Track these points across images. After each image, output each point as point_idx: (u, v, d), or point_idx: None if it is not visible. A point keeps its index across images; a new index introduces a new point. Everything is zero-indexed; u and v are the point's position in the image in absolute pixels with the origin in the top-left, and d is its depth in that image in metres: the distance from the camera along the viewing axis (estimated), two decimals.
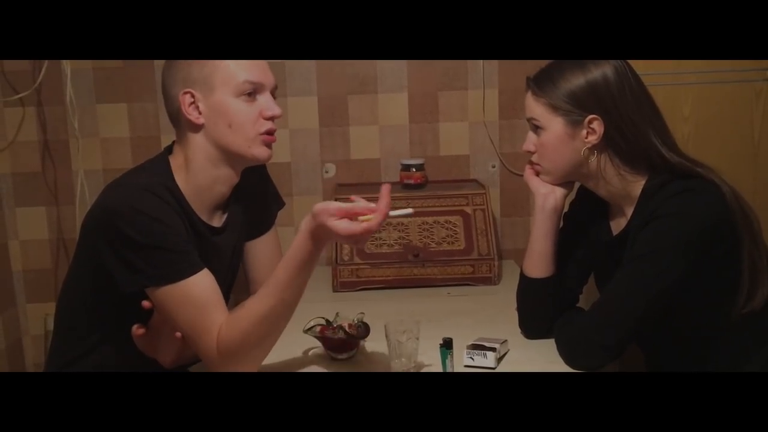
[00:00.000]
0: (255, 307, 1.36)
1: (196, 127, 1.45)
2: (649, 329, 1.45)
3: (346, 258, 2.02)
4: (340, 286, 2.02)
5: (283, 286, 1.34)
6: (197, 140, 1.46)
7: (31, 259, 2.33)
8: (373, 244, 2.04)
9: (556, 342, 1.51)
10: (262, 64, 1.47)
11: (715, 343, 1.47)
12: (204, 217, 1.50)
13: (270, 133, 1.47)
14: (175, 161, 1.49)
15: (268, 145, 1.48)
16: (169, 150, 1.52)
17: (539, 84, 1.48)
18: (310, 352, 1.57)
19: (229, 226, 1.56)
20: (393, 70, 2.28)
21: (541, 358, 1.50)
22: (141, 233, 1.34)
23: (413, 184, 2.18)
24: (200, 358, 1.41)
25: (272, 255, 1.70)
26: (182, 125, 1.47)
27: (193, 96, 1.43)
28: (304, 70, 2.27)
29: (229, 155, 1.47)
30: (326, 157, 2.32)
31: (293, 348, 1.57)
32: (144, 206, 1.36)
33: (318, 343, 1.56)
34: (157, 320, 1.44)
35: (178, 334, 1.40)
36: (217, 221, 1.54)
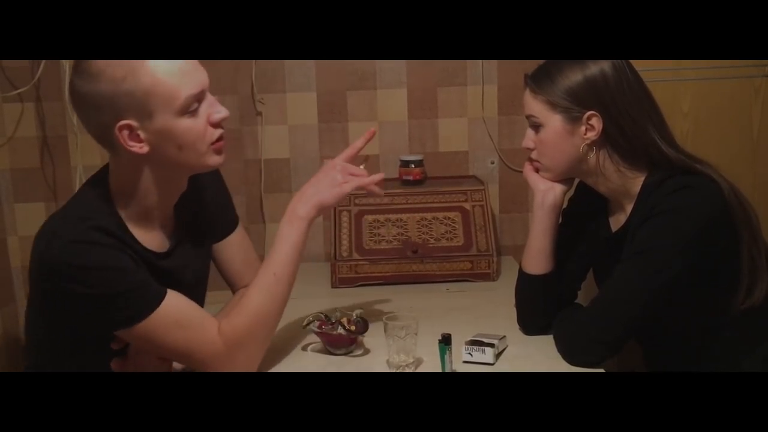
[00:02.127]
0: (263, 288, 1.40)
1: (139, 156, 1.30)
2: (648, 325, 1.45)
3: (345, 254, 2.02)
4: (339, 282, 2.02)
5: (292, 270, 1.43)
6: (141, 166, 1.33)
7: (29, 256, 2.32)
8: (372, 240, 2.04)
9: (555, 338, 1.51)
10: (193, 67, 1.31)
11: (715, 338, 1.47)
12: (147, 243, 1.39)
13: (221, 139, 1.35)
14: (115, 186, 1.36)
15: (219, 152, 1.36)
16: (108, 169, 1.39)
17: (537, 81, 1.48)
18: (309, 348, 1.58)
19: (177, 249, 1.45)
20: (392, 67, 2.28)
21: (540, 354, 1.50)
22: (93, 287, 1.27)
23: (412, 180, 2.18)
24: (201, 370, 1.38)
25: (244, 252, 1.63)
26: (119, 152, 1.32)
27: (130, 127, 1.27)
28: (303, 66, 2.26)
29: (178, 172, 1.38)
30: (325, 153, 2.31)
31: (292, 343, 1.58)
32: (86, 260, 1.27)
33: (317, 339, 1.56)
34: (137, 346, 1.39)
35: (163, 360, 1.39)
36: (162, 245, 1.43)
